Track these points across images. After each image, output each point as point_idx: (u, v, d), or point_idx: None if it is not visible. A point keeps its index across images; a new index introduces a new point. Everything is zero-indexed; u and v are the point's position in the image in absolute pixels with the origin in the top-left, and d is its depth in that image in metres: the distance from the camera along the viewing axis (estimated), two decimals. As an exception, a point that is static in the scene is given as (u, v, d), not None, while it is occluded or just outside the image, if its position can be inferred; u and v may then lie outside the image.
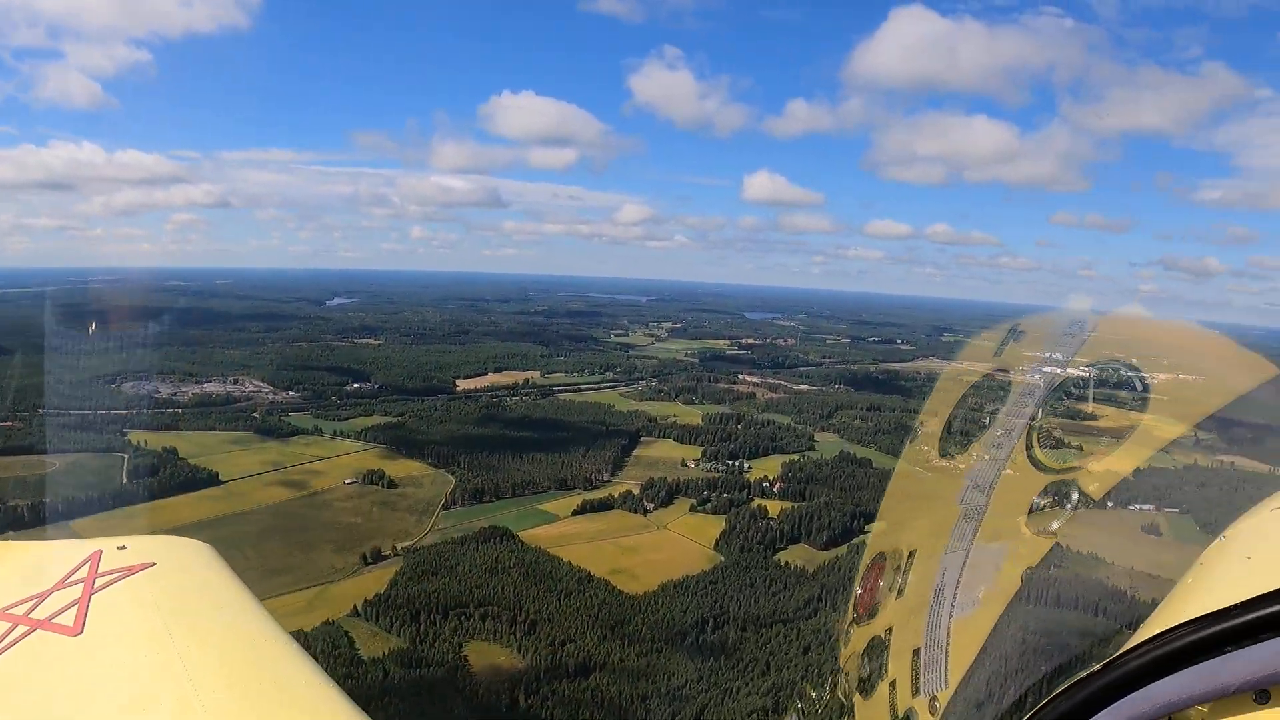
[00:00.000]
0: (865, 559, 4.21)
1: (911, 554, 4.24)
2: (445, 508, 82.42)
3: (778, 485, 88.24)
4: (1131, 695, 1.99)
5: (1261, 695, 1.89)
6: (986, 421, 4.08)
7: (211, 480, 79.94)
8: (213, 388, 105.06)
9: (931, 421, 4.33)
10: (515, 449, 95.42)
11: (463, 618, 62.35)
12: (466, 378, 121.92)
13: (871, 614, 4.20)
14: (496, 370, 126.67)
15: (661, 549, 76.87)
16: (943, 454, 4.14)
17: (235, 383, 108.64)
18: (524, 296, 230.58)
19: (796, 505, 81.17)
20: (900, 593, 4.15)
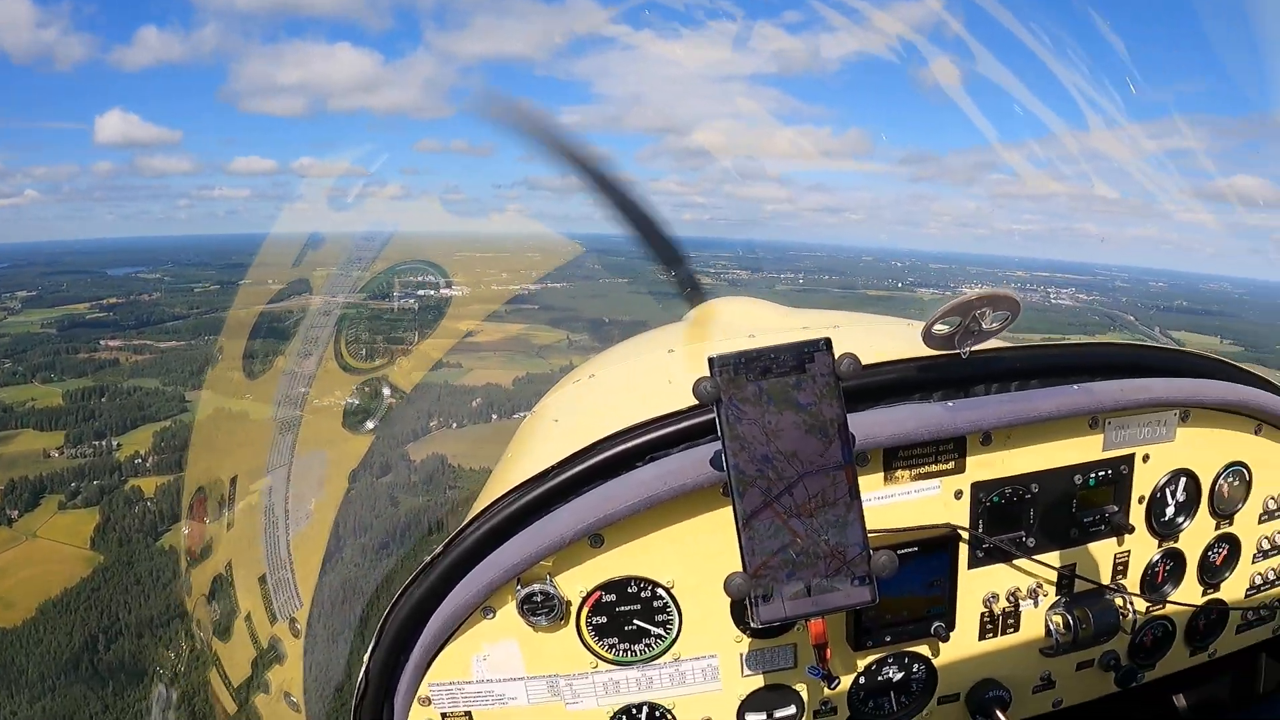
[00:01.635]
0: (185, 498, 3.91)
1: (233, 481, 4.06)
2: None
3: (151, 459, 78.99)
4: (478, 565, 2.06)
5: (596, 540, 2.07)
6: (290, 333, 4.06)
7: None
8: None
9: (233, 343, 4.16)
10: None
11: None
12: None
13: (206, 553, 3.96)
14: None
15: (34, 563, 63.35)
16: (248, 373, 4.02)
17: None
18: None
19: (174, 478, 73.59)
20: (230, 524, 3.97)
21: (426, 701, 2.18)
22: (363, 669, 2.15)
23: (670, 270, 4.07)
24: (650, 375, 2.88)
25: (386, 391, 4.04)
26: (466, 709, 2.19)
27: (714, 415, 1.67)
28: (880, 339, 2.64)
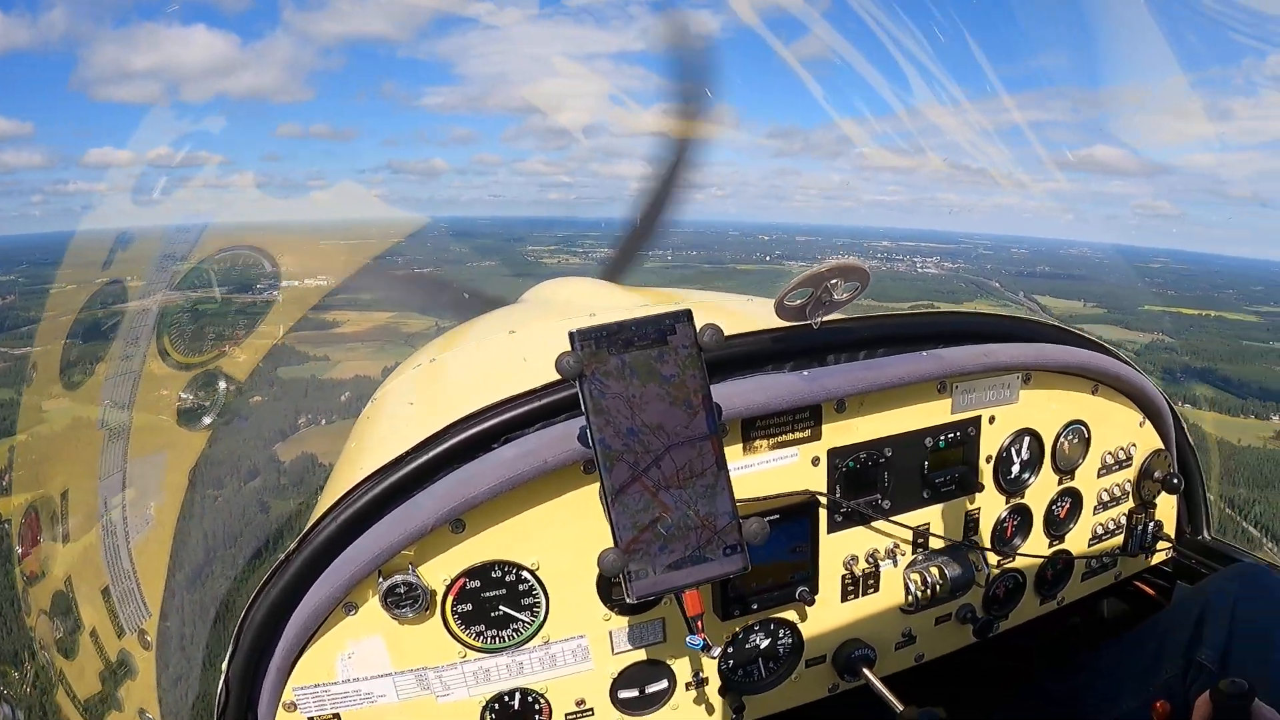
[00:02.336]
0: (15, 521, 3.63)
1: (65, 494, 3.79)
2: None
3: (8, 477, 74.14)
4: (336, 560, 1.97)
5: (457, 525, 1.99)
6: (109, 335, 3.79)
7: None
8: None
9: (48, 353, 3.87)
10: None
11: None
12: None
13: (44, 570, 3.69)
14: None
15: (-115, 601, 58.41)
16: (68, 383, 3.77)
17: None
18: None
19: (36, 495, 69.15)
20: (66, 538, 3.70)
21: (292, 707, 2.06)
22: (222, 678, 2.01)
23: (635, 232, 4.00)
24: (498, 356, 2.83)
25: (222, 385, 3.83)
26: (334, 711, 2.09)
27: (576, 390, 1.63)
28: (726, 315, 2.66)
